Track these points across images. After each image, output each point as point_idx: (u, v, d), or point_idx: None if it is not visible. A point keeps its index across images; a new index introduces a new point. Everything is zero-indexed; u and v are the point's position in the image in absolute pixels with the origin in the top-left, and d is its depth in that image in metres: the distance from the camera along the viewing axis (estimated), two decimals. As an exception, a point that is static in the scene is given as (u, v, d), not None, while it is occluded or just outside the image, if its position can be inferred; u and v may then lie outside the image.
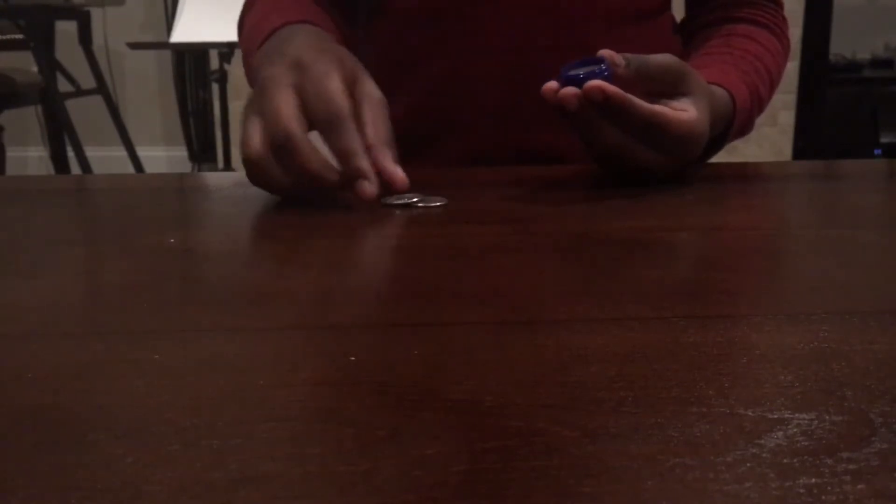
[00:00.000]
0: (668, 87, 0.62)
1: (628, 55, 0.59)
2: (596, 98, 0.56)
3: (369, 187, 0.55)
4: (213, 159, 3.15)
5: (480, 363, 0.32)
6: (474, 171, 0.73)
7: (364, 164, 0.55)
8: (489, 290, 0.40)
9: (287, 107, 0.55)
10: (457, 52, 0.78)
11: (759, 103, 0.77)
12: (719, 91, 0.70)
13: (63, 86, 2.74)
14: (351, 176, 0.55)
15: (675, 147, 0.62)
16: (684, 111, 0.61)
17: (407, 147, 0.82)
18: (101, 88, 2.86)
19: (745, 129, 0.76)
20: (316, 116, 0.56)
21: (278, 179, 0.56)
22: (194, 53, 3.17)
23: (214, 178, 0.77)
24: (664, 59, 0.61)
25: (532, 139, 0.79)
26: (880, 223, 0.56)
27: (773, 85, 0.80)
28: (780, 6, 0.84)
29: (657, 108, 0.59)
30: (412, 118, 0.79)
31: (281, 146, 0.55)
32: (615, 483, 0.24)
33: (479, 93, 0.79)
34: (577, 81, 0.57)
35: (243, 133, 0.57)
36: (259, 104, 0.57)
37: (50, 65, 2.66)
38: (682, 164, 0.65)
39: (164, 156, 3.49)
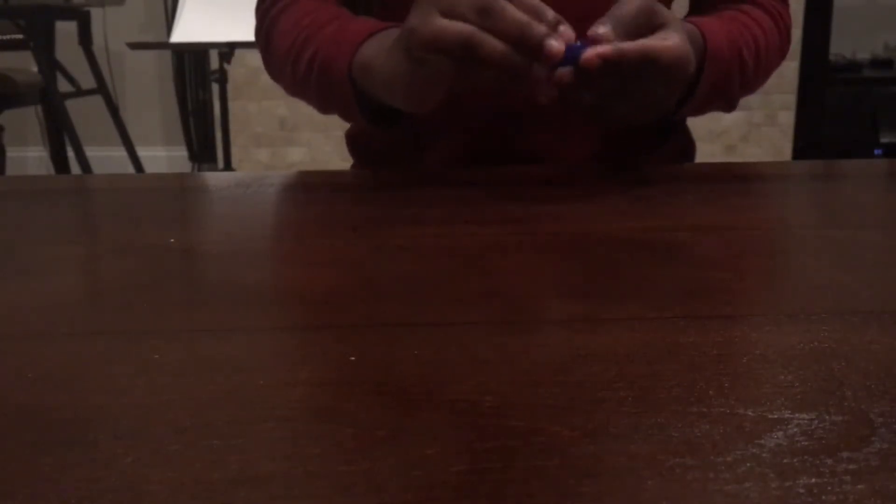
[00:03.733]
0: (644, 27, 0.62)
1: (603, 25, 0.59)
2: (595, 64, 0.56)
3: (556, 45, 0.54)
4: (213, 159, 3.15)
5: (480, 363, 0.32)
6: (474, 171, 0.73)
7: (540, 27, 0.55)
8: (489, 290, 0.40)
9: None
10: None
11: (741, 66, 0.74)
12: (689, 26, 0.69)
13: (63, 86, 2.74)
14: (533, 43, 0.54)
15: (667, 79, 0.61)
16: (666, 39, 0.61)
17: (400, 149, 0.82)
18: (101, 88, 2.85)
19: (721, 87, 0.73)
20: (469, 11, 0.55)
21: (491, 50, 0.55)
22: (194, 53, 3.17)
23: (214, 178, 0.77)
24: (632, 3, 0.61)
25: (526, 139, 0.79)
26: (880, 223, 0.56)
27: (760, 57, 0.77)
28: (787, 4, 0.84)
29: (642, 42, 0.59)
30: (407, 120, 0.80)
31: (484, 8, 0.54)
32: (615, 483, 0.24)
33: (473, 93, 0.78)
34: (568, 60, 0.58)
35: (430, 30, 0.56)
36: (420, 19, 0.57)
37: (50, 65, 2.66)
38: (662, 107, 0.65)
39: (164, 156, 3.49)
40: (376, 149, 0.85)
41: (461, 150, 0.80)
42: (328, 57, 0.69)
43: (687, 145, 0.88)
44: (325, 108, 0.75)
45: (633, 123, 0.64)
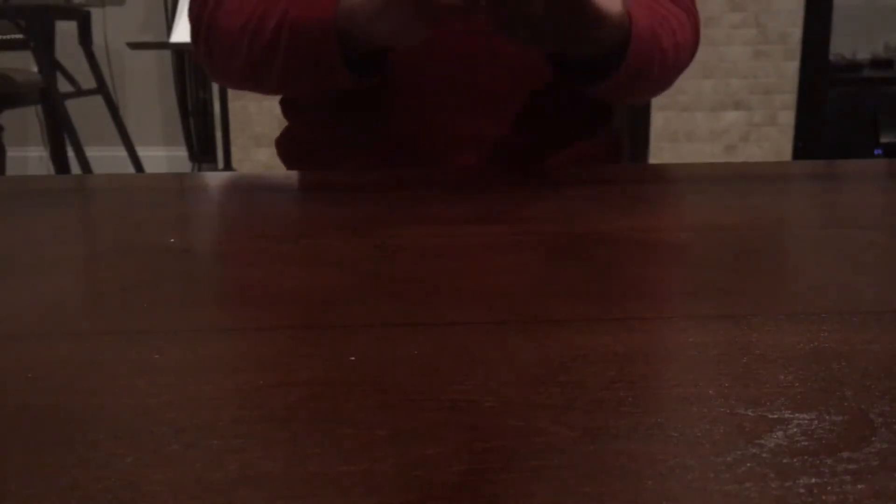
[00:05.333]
0: None
1: None
2: None
3: None
4: (213, 159, 3.15)
5: (480, 363, 0.32)
6: (474, 171, 0.73)
7: None
8: (489, 290, 0.40)
9: None
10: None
11: (660, 53, 0.73)
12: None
13: (63, 86, 2.74)
14: None
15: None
16: None
17: (332, 136, 0.82)
18: (101, 88, 2.85)
19: (642, 67, 0.72)
20: None
21: None
22: (194, 53, 3.17)
23: (214, 178, 0.77)
24: None
25: (457, 124, 0.78)
26: (880, 223, 0.56)
27: (678, 49, 0.76)
28: (695, 17, 0.83)
29: None
30: (336, 106, 0.80)
31: None
32: (615, 483, 0.24)
33: (404, 76, 0.78)
34: None
35: None
36: None
37: (50, 65, 2.66)
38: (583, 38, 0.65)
39: (164, 156, 3.49)
40: (308, 149, 0.85)
41: (392, 136, 0.79)
42: (303, 16, 0.68)
43: (616, 142, 0.88)
44: (292, 76, 0.72)
45: (550, 44, 0.64)
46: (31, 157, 3.42)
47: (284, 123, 0.89)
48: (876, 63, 3.00)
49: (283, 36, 0.68)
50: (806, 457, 0.25)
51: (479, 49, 0.76)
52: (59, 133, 2.88)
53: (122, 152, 2.88)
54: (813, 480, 0.23)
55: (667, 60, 0.74)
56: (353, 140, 0.81)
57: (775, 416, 0.27)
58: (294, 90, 0.81)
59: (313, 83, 0.73)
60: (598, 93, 0.74)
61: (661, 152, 2.62)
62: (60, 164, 2.96)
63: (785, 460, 0.25)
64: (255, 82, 0.77)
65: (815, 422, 0.27)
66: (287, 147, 0.88)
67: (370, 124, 0.80)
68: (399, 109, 0.78)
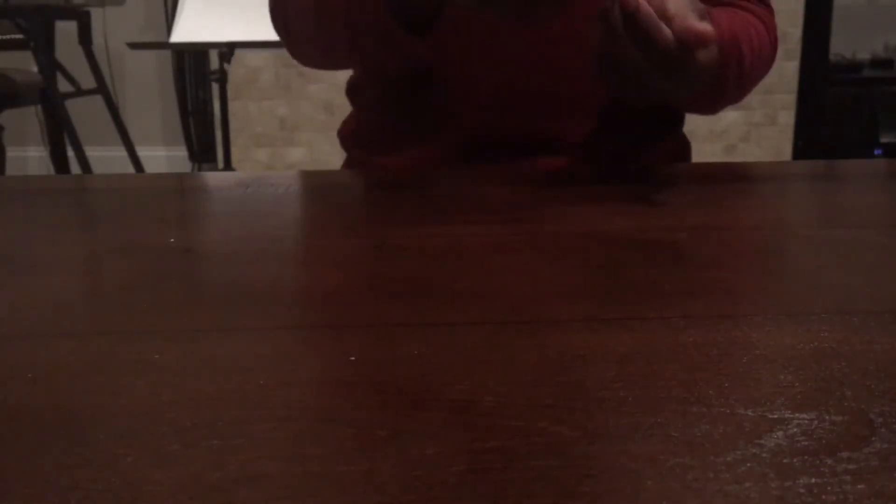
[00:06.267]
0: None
1: None
2: (630, 8, 0.56)
3: None
4: (213, 159, 3.15)
5: (480, 363, 0.32)
6: (473, 170, 0.73)
7: None
8: (489, 290, 0.40)
9: None
10: (467, 31, 0.78)
11: (738, 58, 0.73)
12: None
13: (63, 86, 2.74)
14: None
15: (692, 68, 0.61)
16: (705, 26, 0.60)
17: (400, 135, 0.82)
18: (101, 88, 2.85)
19: (721, 71, 0.71)
20: None
21: None
22: (194, 53, 3.17)
23: (214, 178, 0.77)
24: None
25: (528, 126, 0.79)
26: (880, 223, 0.56)
27: (754, 55, 0.75)
28: (773, 13, 0.83)
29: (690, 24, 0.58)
30: (407, 105, 0.79)
31: None
32: (615, 483, 0.24)
33: (473, 80, 0.78)
34: None
35: None
36: None
37: (50, 65, 2.66)
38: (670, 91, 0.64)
39: (164, 156, 3.49)
40: (371, 137, 0.85)
41: (458, 137, 0.79)
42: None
43: (683, 146, 0.88)
44: (351, 32, 0.71)
45: (639, 96, 0.63)
46: (31, 157, 3.42)
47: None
48: (876, 63, 3.00)
49: None
50: (806, 457, 0.25)
51: (565, 53, 0.76)
52: (59, 133, 2.88)
53: (122, 152, 2.88)
54: (813, 480, 0.23)
55: (744, 68, 0.74)
56: (423, 135, 0.80)
57: (775, 416, 0.27)
58: (360, 59, 0.80)
59: (374, 42, 0.72)
60: (677, 103, 0.73)
61: (661, 152, 2.62)
62: (60, 164, 2.96)
63: (785, 460, 0.25)
64: (325, 53, 0.77)
65: (815, 422, 0.27)
66: (350, 133, 0.87)
67: (444, 120, 0.79)
68: (475, 108, 0.78)
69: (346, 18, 0.70)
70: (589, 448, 0.25)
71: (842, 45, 3.00)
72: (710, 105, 0.78)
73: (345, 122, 0.88)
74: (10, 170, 2.87)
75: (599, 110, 0.79)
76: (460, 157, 0.79)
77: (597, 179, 0.68)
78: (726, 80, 0.73)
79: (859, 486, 0.23)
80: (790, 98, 2.75)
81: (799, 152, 2.77)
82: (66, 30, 2.90)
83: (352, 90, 0.88)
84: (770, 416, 0.27)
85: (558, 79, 0.77)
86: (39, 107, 2.90)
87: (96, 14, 3.03)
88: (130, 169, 2.88)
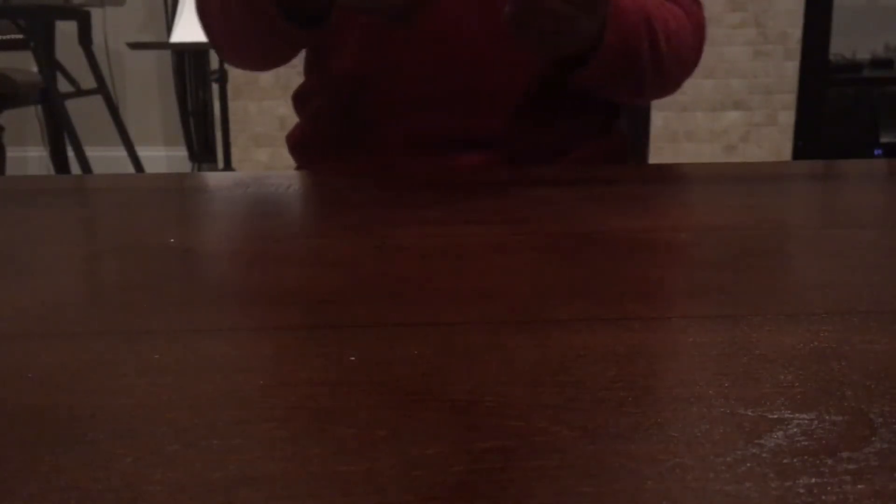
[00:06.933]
0: None
1: None
2: None
3: None
4: (213, 159, 3.15)
5: (480, 363, 0.32)
6: (473, 171, 0.73)
7: None
8: (489, 290, 0.40)
9: None
10: (391, 40, 0.79)
11: (649, 33, 0.73)
12: None
13: (63, 86, 2.74)
14: None
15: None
16: None
17: (343, 135, 0.82)
18: (101, 88, 2.85)
19: (632, 45, 0.72)
20: None
21: None
22: (194, 53, 3.17)
23: (214, 178, 0.77)
24: None
25: (466, 125, 0.79)
26: (880, 223, 0.56)
27: (671, 38, 0.75)
28: (700, 5, 0.83)
29: None
30: (348, 105, 0.80)
31: None
32: (615, 483, 0.24)
33: (414, 79, 0.79)
34: None
35: None
36: None
37: (50, 65, 2.66)
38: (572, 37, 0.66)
39: (164, 156, 3.49)
40: (318, 146, 0.86)
41: (401, 137, 0.80)
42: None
43: (618, 144, 0.88)
44: (246, 29, 0.73)
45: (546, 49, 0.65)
46: (31, 157, 3.42)
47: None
48: (876, 63, 3.00)
49: None
50: (806, 457, 0.25)
51: (487, 50, 0.77)
52: (59, 133, 2.88)
53: (122, 152, 2.88)
54: (813, 480, 0.23)
55: (659, 45, 0.74)
56: (362, 138, 0.81)
57: (775, 416, 0.27)
58: (267, 53, 0.81)
59: (267, 38, 0.74)
60: (592, 79, 0.73)
61: (660, 152, 2.62)
62: (60, 164, 2.96)
63: (785, 460, 0.25)
64: (237, 52, 0.79)
65: (815, 422, 0.27)
66: (297, 143, 0.88)
67: (379, 123, 0.80)
68: (408, 110, 0.79)
69: (244, 9, 0.72)
70: (589, 448, 0.25)
71: (842, 45, 3.00)
72: (635, 89, 0.78)
73: (291, 132, 0.90)
74: (10, 170, 2.87)
75: (527, 108, 0.79)
76: (396, 159, 0.80)
77: (597, 179, 0.68)
78: (640, 56, 0.73)
79: (859, 486, 0.23)
80: (790, 98, 2.75)
81: (799, 152, 2.77)
82: (66, 30, 2.90)
83: (298, 99, 0.90)
84: (770, 416, 0.27)
85: (483, 76, 0.78)
86: (39, 107, 2.90)
87: (96, 14, 3.03)
88: (130, 169, 2.88)
